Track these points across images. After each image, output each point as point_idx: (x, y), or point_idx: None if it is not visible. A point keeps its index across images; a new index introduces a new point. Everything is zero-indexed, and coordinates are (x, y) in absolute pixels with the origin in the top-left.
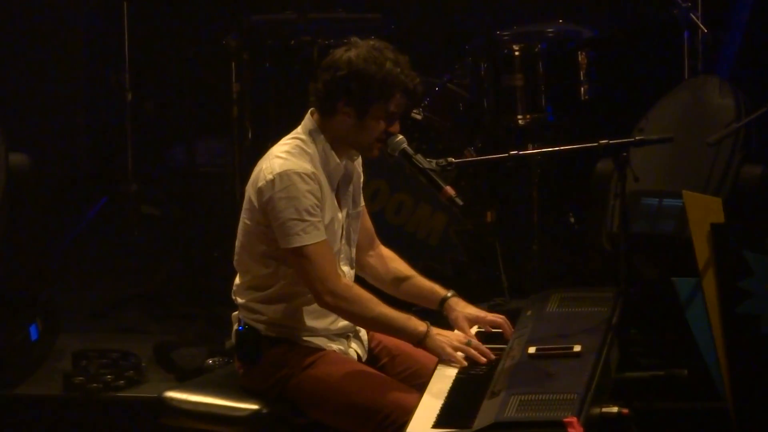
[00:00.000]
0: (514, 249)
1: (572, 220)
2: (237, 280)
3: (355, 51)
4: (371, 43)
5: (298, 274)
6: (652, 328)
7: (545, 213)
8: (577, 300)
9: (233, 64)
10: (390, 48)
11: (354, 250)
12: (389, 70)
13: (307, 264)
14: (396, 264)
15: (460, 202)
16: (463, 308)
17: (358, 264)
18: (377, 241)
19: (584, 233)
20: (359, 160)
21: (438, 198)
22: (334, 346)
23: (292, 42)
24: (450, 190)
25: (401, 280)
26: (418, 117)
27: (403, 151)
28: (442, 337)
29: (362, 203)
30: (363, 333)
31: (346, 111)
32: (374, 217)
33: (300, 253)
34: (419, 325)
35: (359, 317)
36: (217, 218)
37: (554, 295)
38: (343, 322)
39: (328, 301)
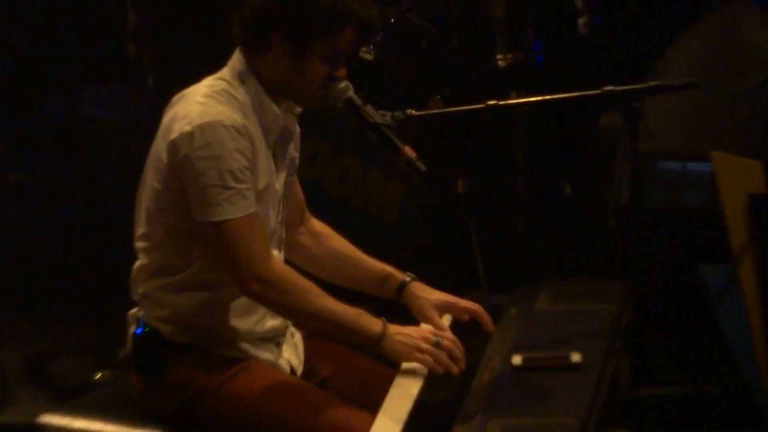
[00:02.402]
0: (493, 228)
1: (568, 190)
2: (137, 263)
3: None
4: None
5: (218, 255)
6: (674, 330)
7: (533, 181)
8: (576, 294)
9: None
10: None
11: (284, 228)
12: None
13: (230, 243)
14: (334, 242)
15: (422, 166)
16: (428, 294)
17: (285, 245)
18: (308, 215)
19: (584, 207)
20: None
21: (394, 162)
22: (261, 355)
23: None
24: (409, 151)
25: (343, 261)
26: (369, 57)
27: (349, 100)
28: (404, 337)
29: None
30: (298, 338)
31: (280, 47)
32: (312, 186)
33: (221, 228)
34: (373, 324)
35: (295, 312)
36: (108, 189)
37: (546, 288)
38: (272, 322)
39: (254, 290)
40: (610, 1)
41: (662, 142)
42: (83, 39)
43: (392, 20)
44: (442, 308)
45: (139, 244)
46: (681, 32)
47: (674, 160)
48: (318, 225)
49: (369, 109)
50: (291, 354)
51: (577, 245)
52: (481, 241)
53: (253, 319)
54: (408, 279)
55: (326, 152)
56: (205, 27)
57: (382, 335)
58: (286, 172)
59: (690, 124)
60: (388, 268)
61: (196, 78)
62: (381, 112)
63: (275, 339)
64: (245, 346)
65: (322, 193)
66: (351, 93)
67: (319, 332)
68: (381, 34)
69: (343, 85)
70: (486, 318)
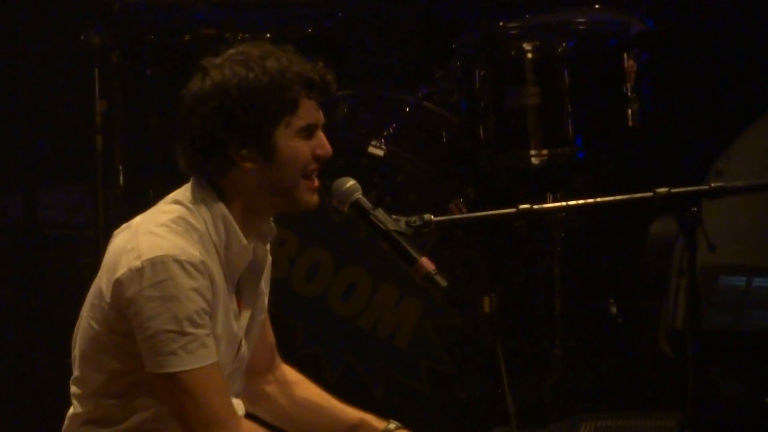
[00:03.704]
0: (525, 353)
1: (614, 310)
2: (71, 410)
3: (216, 70)
4: (232, 51)
5: (171, 411)
6: None
7: (572, 300)
8: (622, 431)
9: (96, 70)
10: (263, 45)
11: (243, 376)
12: (274, 67)
13: (186, 398)
14: (304, 390)
15: (442, 281)
16: None
17: (248, 395)
18: (279, 361)
19: (632, 330)
20: (269, 245)
21: (409, 276)
22: None
23: (187, 37)
24: (427, 263)
25: (312, 411)
26: (379, 152)
27: (357, 203)
28: None
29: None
30: None
31: (243, 156)
32: (312, 304)
33: (177, 381)
34: None
35: None
36: (70, 304)
37: (586, 423)
38: None
39: None
40: (664, 88)
41: (724, 254)
42: (43, 131)
43: (407, 109)
44: None
45: (73, 389)
46: (747, 126)
47: (738, 275)
48: (288, 372)
49: (380, 213)
50: None
51: (623, 374)
52: (511, 369)
53: None
54: (390, 428)
55: (329, 264)
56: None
57: None
58: (253, 311)
59: (757, 234)
60: (367, 417)
61: (175, 178)
62: (394, 217)
63: None
64: None
65: (324, 312)
66: (358, 195)
67: None
68: (393, 125)
69: (349, 185)
70: None
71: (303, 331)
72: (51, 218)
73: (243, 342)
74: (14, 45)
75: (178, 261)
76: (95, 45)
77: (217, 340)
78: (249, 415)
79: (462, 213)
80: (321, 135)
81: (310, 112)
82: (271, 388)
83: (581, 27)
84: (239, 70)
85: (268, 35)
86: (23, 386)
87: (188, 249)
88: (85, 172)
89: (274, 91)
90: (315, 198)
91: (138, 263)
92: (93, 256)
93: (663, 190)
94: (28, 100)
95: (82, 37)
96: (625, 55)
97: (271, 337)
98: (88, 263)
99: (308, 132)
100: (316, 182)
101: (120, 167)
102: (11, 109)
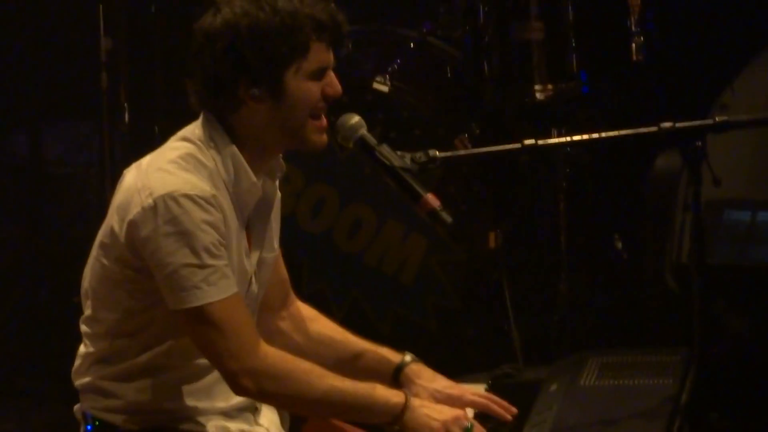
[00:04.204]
0: (530, 289)
1: (619, 245)
2: (81, 349)
3: (227, 8)
4: None
5: (198, 345)
6: (744, 410)
7: (578, 235)
8: (627, 367)
9: (101, 7)
10: None
11: (256, 315)
12: (285, 8)
13: (213, 330)
14: (318, 326)
15: (447, 217)
16: (427, 380)
17: (262, 333)
18: (293, 297)
19: (637, 265)
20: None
21: (414, 212)
22: (233, 427)
23: None
24: (433, 199)
25: (327, 346)
26: (384, 88)
27: (361, 139)
28: (431, 410)
29: (278, 245)
30: None
31: (253, 95)
32: (317, 240)
33: (202, 314)
34: (392, 395)
35: (298, 401)
36: (76, 243)
37: (592, 359)
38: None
39: (246, 386)
40: (669, 21)
41: (729, 188)
42: (47, 68)
43: (411, 45)
44: (442, 401)
45: (84, 329)
46: (751, 60)
47: (743, 209)
48: (302, 308)
49: (384, 149)
50: (270, 422)
51: (629, 310)
52: (517, 304)
53: (221, 395)
54: (406, 360)
55: (334, 201)
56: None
57: (405, 407)
58: (262, 249)
59: (762, 168)
60: (382, 350)
61: (180, 115)
62: (399, 153)
63: (250, 408)
64: (215, 420)
65: (330, 249)
66: (363, 131)
67: (331, 416)
68: (397, 61)
69: (354, 120)
70: (496, 409)
71: (308, 268)
72: (56, 156)
73: (253, 279)
74: None
75: (189, 196)
76: None
77: None
78: None
79: (467, 148)
80: (331, 74)
81: (320, 54)
82: (285, 324)
83: None
84: (250, 8)
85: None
86: (30, 324)
87: (199, 184)
88: (91, 109)
89: (285, 33)
90: (323, 138)
91: (150, 201)
92: (98, 193)
93: (667, 124)
94: (33, 37)
95: None
96: None
97: (284, 273)
98: (93, 200)
99: (318, 74)
100: (325, 121)
101: (125, 104)
102: (15, 47)
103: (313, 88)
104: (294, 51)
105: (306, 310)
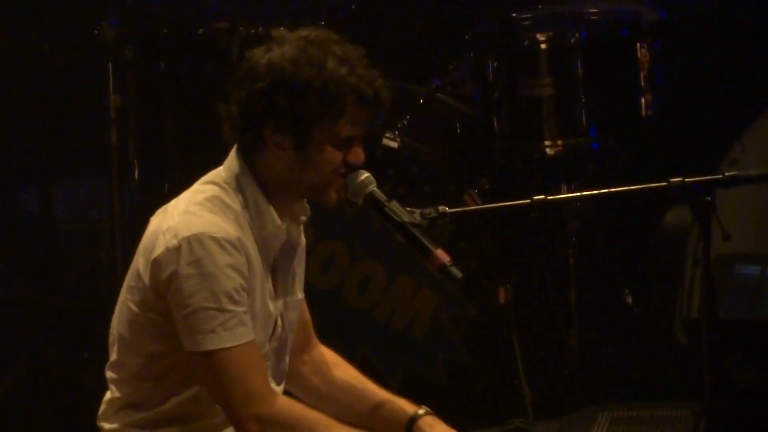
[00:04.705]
0: (540, 344)
1: (629, 299)
2: (108, 395)
3: (279, 50)
4: (304, 33)
5: (209, 389)
6: None
7: (588, 289)
8: (638, 421)
9: (110, 65)
10: (334, 39)
11: (287, 358)
12: (332, 71)
13: (225, 376)
14: (339, 371)
15: (457, 273)
16: None
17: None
18: (315, 341)
19: (647, 319)
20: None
21: (424, 268)
22: None
23: (201, 31)
24: (442, 254)
25: (346, 393)
26: (393, 144)
27: (371, 196)
28: None
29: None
30: None
31: (277, 141)
32: (327, 296)
33: (215, 359)
34: None
35: None
36: (86, 299)
37: (602, 414)
38: None
39: (252, 431)
40: (677, 78)
41: (739, 243)
42: (57, 125)
43: (420, 101)
44: None
45: (110, 375)
46: (760, 115)
47: (753, 263)
48: (326, 353)
49: (394, 205)
50: None
51: (639, 364)
52: (527, 359)
53: None
54: (420, 413)
55: (344, 257)
56: (199, 112)
57: None
58: (288, 293)
59: None
60: (399, 401)
61: (190, 171)
62: (408, 209)
63: None
64: None
65: (340, 305)
66: (373, 187)
67: None
68: (407, 117)
69: (364, 177)
70: None
71: (318, 324)
72: (66, 212)
73: (279, 322)
74: (29, 39)
75: (214, 238)
76: (109, 39)
77: (254, 318)
78: (284, 392)
79: (476, 204)
80: (357, 143)
81: (352, 123)
82: (306, 369)
83: (594, 17)
84: (299, 59)
85: (281, 28)
86: (40, 380)
87: (224, 226)
88: (100, 166)
89: (323, 95)
90: (335, 197)
91: (175, 242)
92: (108, 250)
93: (677, 179)
94: (43, 94)
95: (96, 31)
96: (638, 45)
97: (307, 317)
98: (103, 257)
99: (346, 143)
100: (343, 181)
101: (135, 161)
102: (26, 104)
103: (336, 153)
104: (326, 115)
105: (328, 355)
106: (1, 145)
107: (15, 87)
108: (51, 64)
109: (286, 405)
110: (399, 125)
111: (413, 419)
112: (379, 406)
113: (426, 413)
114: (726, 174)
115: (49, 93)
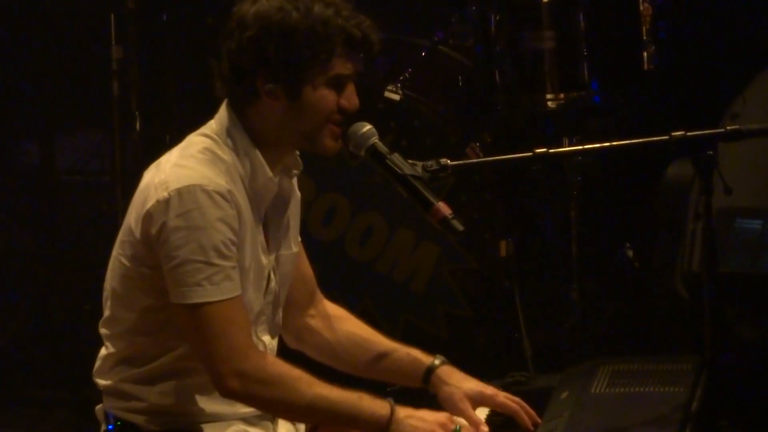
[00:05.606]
0: (541, 297)
1: (630, 253)
2: (102, 351)
3: (266, 0)
4: None
5: (192, 344)
6: (755, 418)
7: (589, 243)
8: (638, 375)
9: (112, 16)
10: None
11: (281, 312)
12: (319, 14)
13: (208, 330)
14: (349, 325)
15: (459, 226)
16: (459, 381)
17: (292, 331)
18: (320, 296)
19: (648, 273)
20: (295, 179)
21: (425, 220)
22: (251, 430)
23: None
24: (444, 207)
25: (359, 346)
26: (396, 97)
27: (373, 148)
28: (417, 420)
29: (299, 241)
30: None
31: (269, 90)
32: (328, 248)
33: (199, 312)
34: (378, 407)
35: (285, 407)
36: (88, 251)
37: (603, 367)
38: None
39: (233, 388)
40: (680, 31)
41: (740, 197)
42: (59, 77)
43: (423, 54)
44: (476, 400)
45: (104, 331)
46: (762, 69)
47: (754, 217)
48: (330, 307)
49: (396, 158)
50: (288, 431)
51: (639, 318)
52: (528, 313)
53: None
54: (437, 363)
55: (345, 209)
56: (200, 63)
57: (391, 419)
58: (280, 246)
59: None
60: (414, 352)
61: (192, 121)
62: (410, 161)
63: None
64: (235, 425)
65: (341, 257)
66: (375, 139)
67: (317, 423)
68: (409, 69)
69: (365, 129)
70: (525, 418)
71: (319, 276)
72: (68, 164)
73: (272, 276)
74: None
75: (204, 190)
76: None
77: (245, 272)
78: (295, 355)
79: (478, 157)
80: (350, 87)
81: (343, 63)
82: (314, 322)
83: None
84: (285, 5)
85: None
86: (41, 331)
87: (215, 178)
88: (102, 118)
89: (312, 38)
90: (337, 143)
91: (165, 194)
92: (109, 201)
93: (679, 133)
94: (45, 46)
95: None
96: None
97: (308, 271)
98: (104, 209)
99: (337, 82)
100: (339, 129)
101: (136, 113)
102: (27, 55)
103: (329, 96)
104: (317, 57)
105: (335, 309)
106: (2, 96)
107: (16, 39)
108: (52, 15)
109: (269, 361)
110: (401, 78)
111: (431, 369)
112: (393, 356)
113: (442, 363)
114: (728, 128)
115: (50, 44)
